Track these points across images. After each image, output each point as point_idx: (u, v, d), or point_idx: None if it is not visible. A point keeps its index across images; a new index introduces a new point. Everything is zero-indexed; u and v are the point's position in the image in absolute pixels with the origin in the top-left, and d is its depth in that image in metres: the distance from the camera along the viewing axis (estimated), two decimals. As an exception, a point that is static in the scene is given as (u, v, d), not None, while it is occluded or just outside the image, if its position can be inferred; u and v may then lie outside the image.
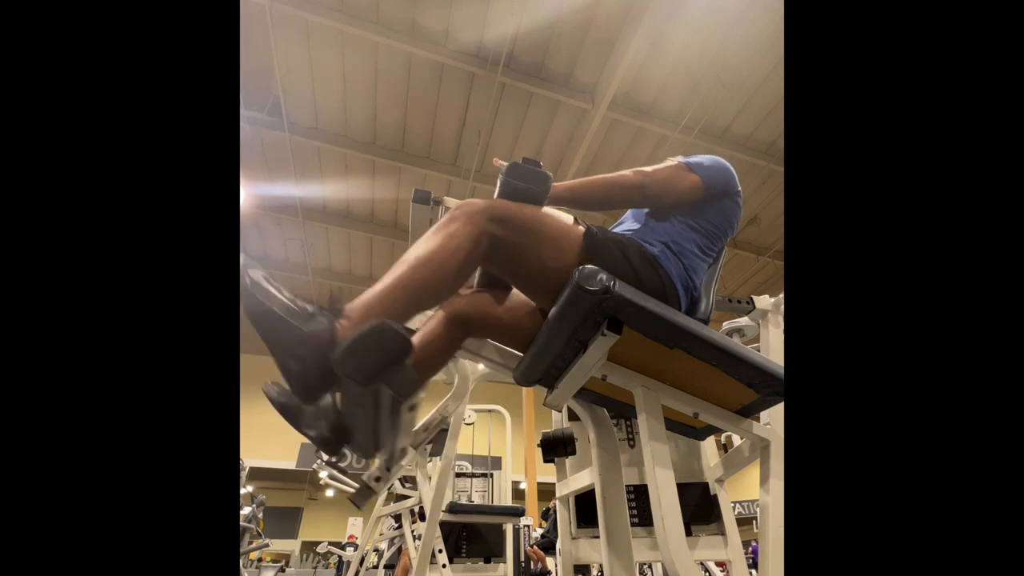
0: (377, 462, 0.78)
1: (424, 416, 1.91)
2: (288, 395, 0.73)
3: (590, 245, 0.90)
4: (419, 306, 0.81)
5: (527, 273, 0.91)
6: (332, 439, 0.75)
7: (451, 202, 1.05)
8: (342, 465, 4.39)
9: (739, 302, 1.58)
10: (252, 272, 0.73)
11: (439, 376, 2.41)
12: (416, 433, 1.79)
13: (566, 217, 0.95)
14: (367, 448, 0.74)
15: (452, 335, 0.96)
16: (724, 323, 1.82)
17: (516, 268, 0.91)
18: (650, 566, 3.38)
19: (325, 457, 4.24)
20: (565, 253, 0.89)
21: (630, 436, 1.66)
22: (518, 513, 2.84)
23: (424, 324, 0.98)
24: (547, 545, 4.44)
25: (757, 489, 1.12)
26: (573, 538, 1.66)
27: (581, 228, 0.93)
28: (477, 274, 1.03)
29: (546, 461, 1.72)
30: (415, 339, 0.93)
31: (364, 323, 0.70)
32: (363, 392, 0.70)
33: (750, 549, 6.39)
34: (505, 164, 0.95)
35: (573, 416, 1.77)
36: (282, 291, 0.73)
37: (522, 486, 8.32)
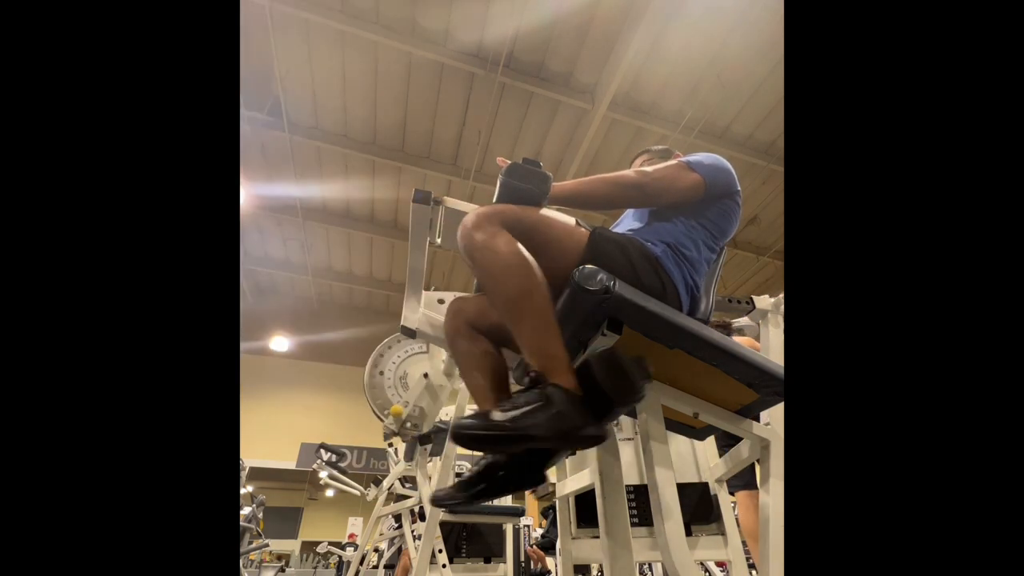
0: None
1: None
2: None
3: (594, 247, 0.90)
4: (554, 315, 0.80)
5: None
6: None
7: (451, 202, 1.05)
8: (342, 465, 4.39)
9: (739, 302, 1.57)
10: (492, 416, 0.72)
11: (438, 378, 2.41)
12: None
13: (568, 220, 0.95)
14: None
15: (485, 342, 0.98)
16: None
17: None
18: (650, 566, 3.38)
19: (325, 457, 4.24)
20: (569, 255, 0.89)
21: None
22: (518, 513, 2.83)
23: (457, 352, 1.00)
24: (547, 545, 4.44)
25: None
26: (573, 538, 1.66)
27: (584, 230, 0.93)
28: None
29: (546, 461, 1.72)
30: (467, 378, 0.97)
31: (564, 367, 0.75)
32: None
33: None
34: (508, 163, 0.96)
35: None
36: (503, 410, 0.72)
37: (522, 486, 8.30)
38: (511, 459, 0.84)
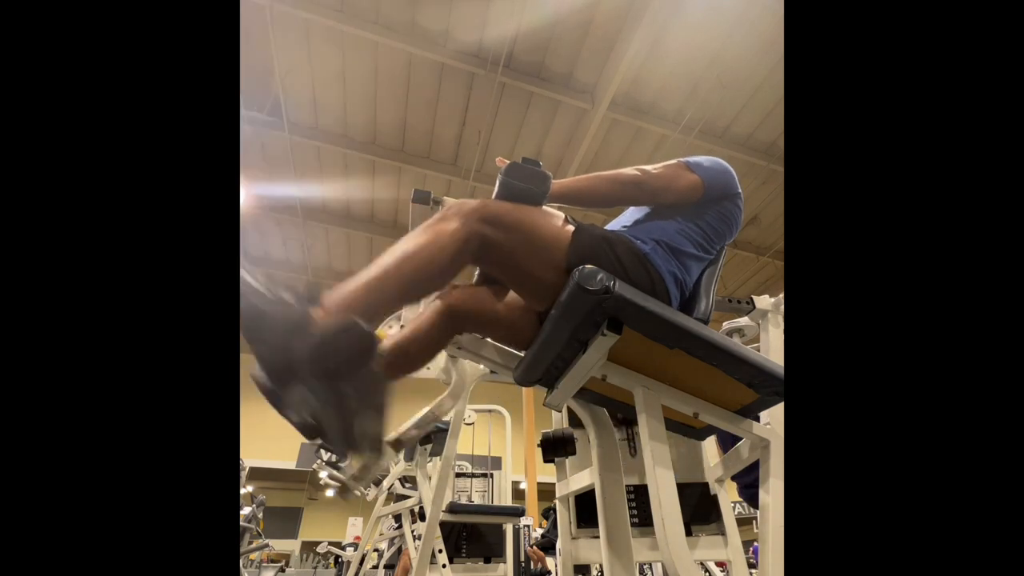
0: (355, 460, 0.77)
1: (418, 414, 1.90)
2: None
3: (577, 244, 0.90)
4: (401, 300, 0.81)
5: (517, 273, 0.91)
6: (312, 427, 0.73)
7: (451, 202, 1.05)
8: (342, 465, 4.39)
9: (739, 302, 1.57)
10: (252, 275, 0.71)
11: (438, 376, 2.41)
12: (407, 431, 1.79)
13: (557, 217, 0.95)
14: (338, 445, 0.72)
15: (444, 328, 0.96)
16: (724, 323, 1.82)
17: (507, 268, 0.91)
18: (650, 566, 3.38)
19: (325, 457, 4.24)
20: (553, 253, 0.89)
21: (631, 443, 1.66)
22: (518, 513, 2.83)
23: (418, 315, 0.98)
24: (547, 545, 4.44)
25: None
26: (573, 538, 1.66)
27: (570, 227, 0.93)
28: (478, 270, 1.03)
29: (546, 461, 1.72)
30: (407, 329, 0.93)
31: (340, 315, 0.69)
32: (325, 389, 0.68)
33: (751, 549, 6.38)
34: (507, 163, 0.96)
35: (574, 419, 1.77)
36: (257, 277, 0.71)
37: (522, 486, 8.32)
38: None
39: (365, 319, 0.72)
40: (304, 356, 0.66)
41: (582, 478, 1.50)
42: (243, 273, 0.68)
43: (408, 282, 0.80)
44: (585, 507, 1.67)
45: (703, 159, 1.12)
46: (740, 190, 1.14)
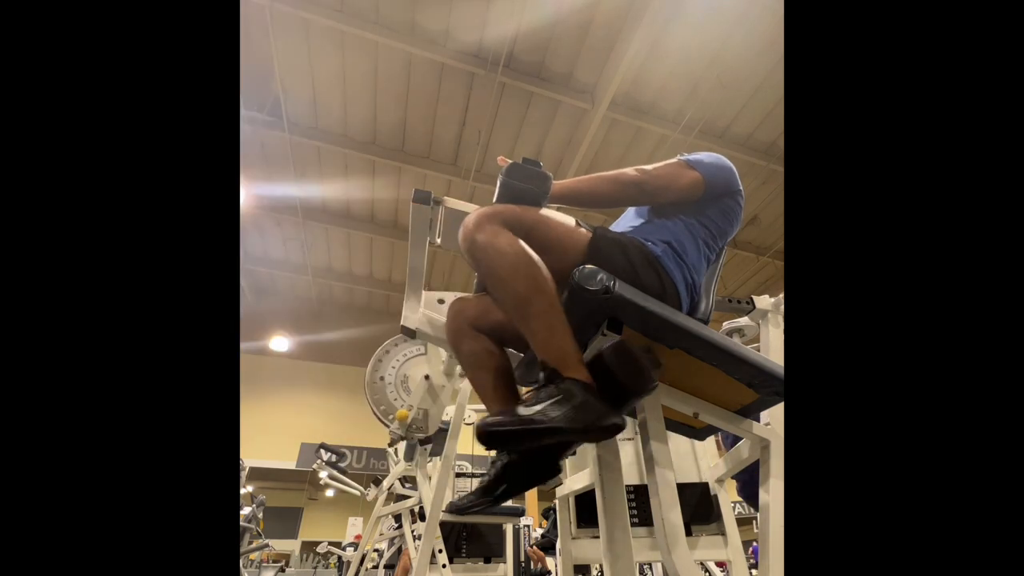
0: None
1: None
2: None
3: (595, 247, 0.90)
4: (562, 311, 0.80)
5: None
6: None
7: (451, 202, 1.05)
8: (342, 465, 4.39)
9: (739, 302, 1.57)
10: (519, 412, 0.72)
11: (449, 383, 2.41)
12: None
13: (568, 220, 0.95)
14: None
15: (488, 341, 0.99)
16: (724, 323, 1.82)
17: None
18: (650, 566, 3.38)
19: (325, 457, 4.24)
20: (569, 255, 0.89)
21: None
22: (518, 513, 2.83)
23: (461, 353, 1.00)
24: (547, 545, 4.44)
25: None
26: (573, 538, 1.66)
27: (584, 230, 0.93)
28: (477, 275, 1.03)
29: (546, 461, 1.72)
30: (483, 369, 0.97)
31: (578, 362, 0.76)
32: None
33: (750, 549, 6.38)
34: (508, 163, 0.96)
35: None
36: (528, 406, 0.72)
37: (522, 486, 8.30)
38: (525, 456, 0.86)
39: (576, 343, 0.78)
40: (643, 388, 0.78)
41: (582, 478, 1.50)
42: (522, 411, 0.71)
43: (550, 295, 0.79)
44: (585, 507, 1.68)
45: (703, 155, 1.11)
46: (741, 187, 1.13)
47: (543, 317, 0.78)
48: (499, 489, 0.86)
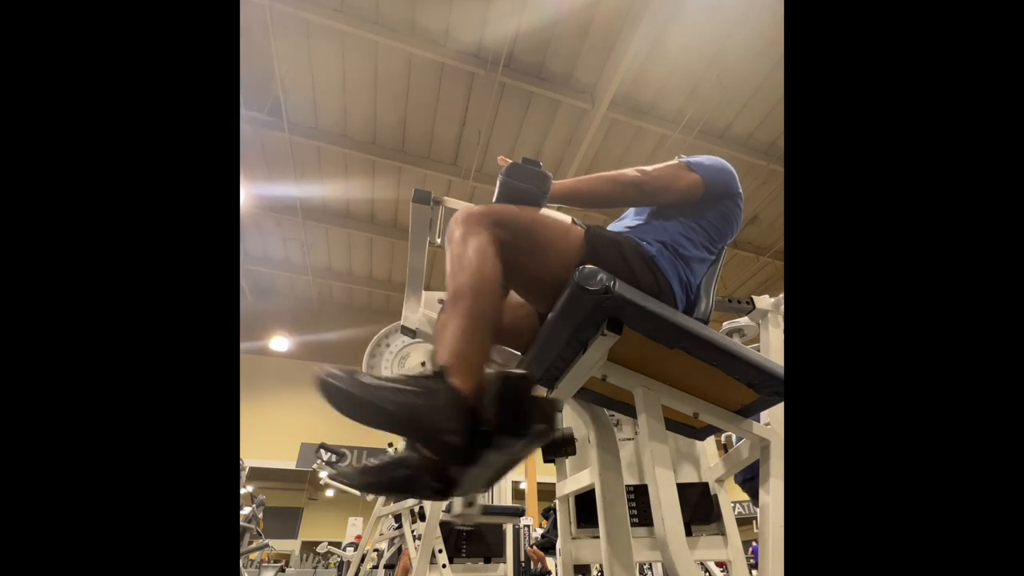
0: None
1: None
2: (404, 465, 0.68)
3: (589, 246, 0.90)
4: (491, 327, 0.79)
5: (527, 276, 0.91)
6: (490, 483, 0.76)
7: (451, 202, 1.05)
8: (342, 465, 4.39)
9: (739, 302, 1.57)
10: (360, 376, 0.67)
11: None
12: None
13: (564, 218, 0.95)
14: (479, 487, 0.75)
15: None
16: (724, 323, 1.82)
17: (516, 271, 0.91)
18: (650, 566, 3.38)
19: (325, 457, 4.24)
20: (564, 255, 0.89)
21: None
22: (518, 513, 2.83)
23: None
24: (547, 545, 4.44)
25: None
26: (573, 538, 1.66)
27: (580, 229, 0.93)
28: None
29: (546, 461, 1.72)
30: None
31: (469, 373, 0.70)
32: (512, 439, 0.68)
33: (750, 549, 6.38)
34: (508, 163, 0.96)
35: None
36: (382, 379, 0.68)
37: (522, 486, 8.32)
38: (422, 461, 0.72)
39: (484, 360, 0.73)
40: (488, 422, 0.66)
41: (582, 478, 1.50)
42: (365, 379, 0.66)
43: (487, 307, 0.78)
44: (585, 507, 1.67)
45: (704, 158, 1.11)
46: (740, 190, 1.14)
47: (465, 318, 0.76)
48: (379, 478, 0.71)
